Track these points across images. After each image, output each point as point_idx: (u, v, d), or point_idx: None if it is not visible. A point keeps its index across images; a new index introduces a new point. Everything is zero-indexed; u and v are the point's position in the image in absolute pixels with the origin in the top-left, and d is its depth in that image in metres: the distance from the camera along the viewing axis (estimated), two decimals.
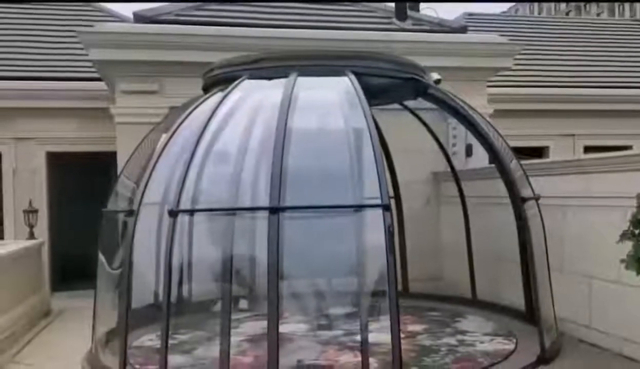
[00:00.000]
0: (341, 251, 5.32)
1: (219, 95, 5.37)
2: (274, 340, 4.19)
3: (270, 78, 5.48)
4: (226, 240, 4.57)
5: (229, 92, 5.27)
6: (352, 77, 5.24)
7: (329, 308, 6.39)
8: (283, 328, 6.24)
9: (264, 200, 4.54)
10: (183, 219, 6.85)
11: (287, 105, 4.84)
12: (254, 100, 5.66)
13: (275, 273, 4.27)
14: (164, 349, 4.41)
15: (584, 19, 15.99)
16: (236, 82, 5.35)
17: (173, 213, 4.58)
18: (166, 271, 4.54)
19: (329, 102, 5.59)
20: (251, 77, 5.45)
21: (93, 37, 8.06)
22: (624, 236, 3.94)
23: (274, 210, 4.34)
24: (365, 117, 4.83)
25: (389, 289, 4.30)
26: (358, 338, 4.82)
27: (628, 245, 3.86)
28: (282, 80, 5.18)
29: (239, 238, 4.60)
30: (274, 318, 4.23)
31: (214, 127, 5.13)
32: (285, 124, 4.69)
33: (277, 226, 4.30)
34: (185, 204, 4.76)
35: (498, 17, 15.23)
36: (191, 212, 5.00)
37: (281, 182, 4.40)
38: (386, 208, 4.36)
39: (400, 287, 7.52)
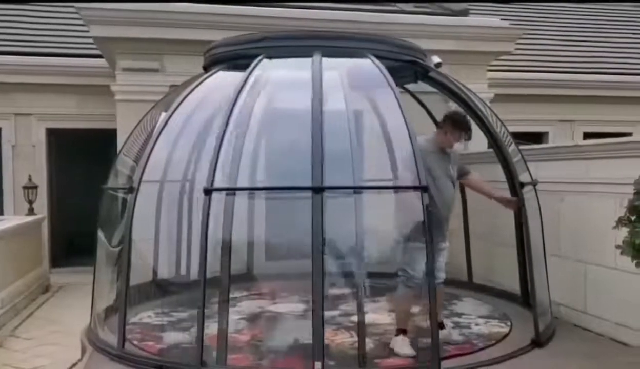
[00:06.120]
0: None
1: (241, 73, 5.30)
2: (319, 325, 4.21)
3: (288, 58, 5.45)
4: (225, 218, 4.58)
5: (252, 70, 5.16)
6: (375, 59, 5.24)
7: (328, 288, 6.47)
8: (283, 308, 6.33)
9: (293, 179, 4.56)
10: (183, 195, 6.92)
11: (319, 85, 4.80)
12: (278, 78, 5.64)
13: (320, 255, 4.26)
14: (201, 327, 4.41)
15: (585, 4, 15.85)
16: (257, 60, 5.24)
17: (207, 191, 4.48)
18: (202, 249, 4.43)
19: (355, 83, 5.61)
20: (269, 56, 5.35)
21: (93, 13, 8.01)
22: (620, 222, 3.97)
23: (317, 190, 4.33)
24: (396, 99, 4.86)
25: (427, 268, 4.44)
26: (354, 318, 4.88)
27: (624, 231, 3.90)
28: (305, 60, 5.14)
29: (238, 216, 4.61)
30: (319, 300, 4.24)
31: (241, 106, 5.03)
32: (320, 104, 4.67)
33: (321, 206, 4.29)
34: (199, 182, 4.71)
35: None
36: (226, 190, 4.79)
37: (322, 161, 4.39)
38: (424, 189, 4.44)
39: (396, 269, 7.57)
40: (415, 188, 4.52)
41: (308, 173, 4.42)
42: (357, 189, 5.03)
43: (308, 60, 5.12)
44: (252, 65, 5.17)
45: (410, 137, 4.65)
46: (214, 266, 4.54)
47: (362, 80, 5.65)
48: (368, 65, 5.25)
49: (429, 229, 4.43)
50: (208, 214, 4.44)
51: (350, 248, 4.98)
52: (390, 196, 5.09)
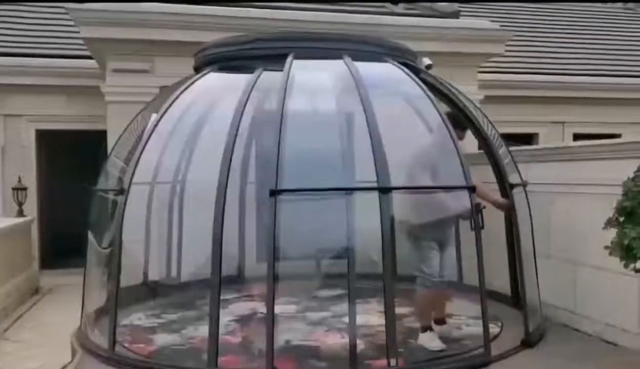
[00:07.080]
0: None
1: (233, 75, 5.30)
2: (392, 324, 4.27)
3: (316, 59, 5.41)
4: (217, 216, 4.54)
5: (289, 71, 5.04)
6: (399, 64, 5.31)
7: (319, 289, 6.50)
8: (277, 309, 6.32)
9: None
10: (174, 196, 6.88)
11: (362, 87, 4.82)
12: (311, 80, 5.65)
13: (391, 255, 4.30)
14: (270, 325, 4.35)
15: (576, 5, 15.95)
16: (289, 60, 5.13)
17: (273, 193, 4.32)
18: (270, 251, 4.32)
19: (388, 87, 5.65)
20: (297, 57, 5.23)
21: (84, 14, 7.97)
22: (609, 223, 3.99)
23: (385, 190, 4.37)
24: (433, 104, 4.94)
25: (479, 267, 4.69)
26: (346, 320, 4.88)
27: (613, 232, 3.92)
28: (335, 62, 5.19)
29: (230, 215, 4.58)
30: (391, 303, 4.28)
31: (289, 105, 4.87)
32: (370, 105, 4.70)
33: (388, 207, 4.33)
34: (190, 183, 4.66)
35: (491, 2, 15.16)
36: (292, 192, 4.59)
37: (386, 162, 4.44)
38: (473, 189, 4.69)
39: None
40: (463, 188, 4.71)
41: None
42: (416, 189, 5.05)
43: (322, 62, 5.20)
44: (287, 65, 5.06)
45: (452, 139, 4.81)
46: (206, 268, 4.53)
47: (387, 83, 5.66)
48: (389, 69, 5.35)
49: (478, 229, 4.69)
50: (276, 216, 4.31)
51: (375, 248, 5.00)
52: (405, 197, 5.08)
